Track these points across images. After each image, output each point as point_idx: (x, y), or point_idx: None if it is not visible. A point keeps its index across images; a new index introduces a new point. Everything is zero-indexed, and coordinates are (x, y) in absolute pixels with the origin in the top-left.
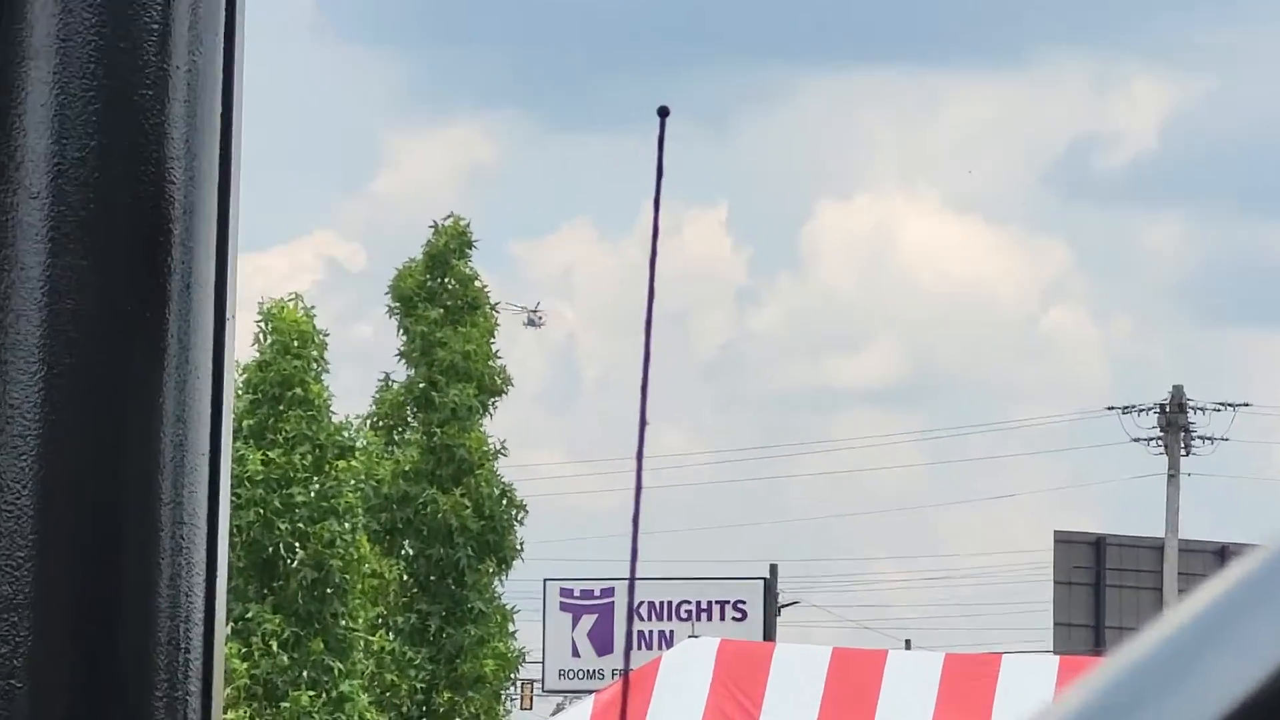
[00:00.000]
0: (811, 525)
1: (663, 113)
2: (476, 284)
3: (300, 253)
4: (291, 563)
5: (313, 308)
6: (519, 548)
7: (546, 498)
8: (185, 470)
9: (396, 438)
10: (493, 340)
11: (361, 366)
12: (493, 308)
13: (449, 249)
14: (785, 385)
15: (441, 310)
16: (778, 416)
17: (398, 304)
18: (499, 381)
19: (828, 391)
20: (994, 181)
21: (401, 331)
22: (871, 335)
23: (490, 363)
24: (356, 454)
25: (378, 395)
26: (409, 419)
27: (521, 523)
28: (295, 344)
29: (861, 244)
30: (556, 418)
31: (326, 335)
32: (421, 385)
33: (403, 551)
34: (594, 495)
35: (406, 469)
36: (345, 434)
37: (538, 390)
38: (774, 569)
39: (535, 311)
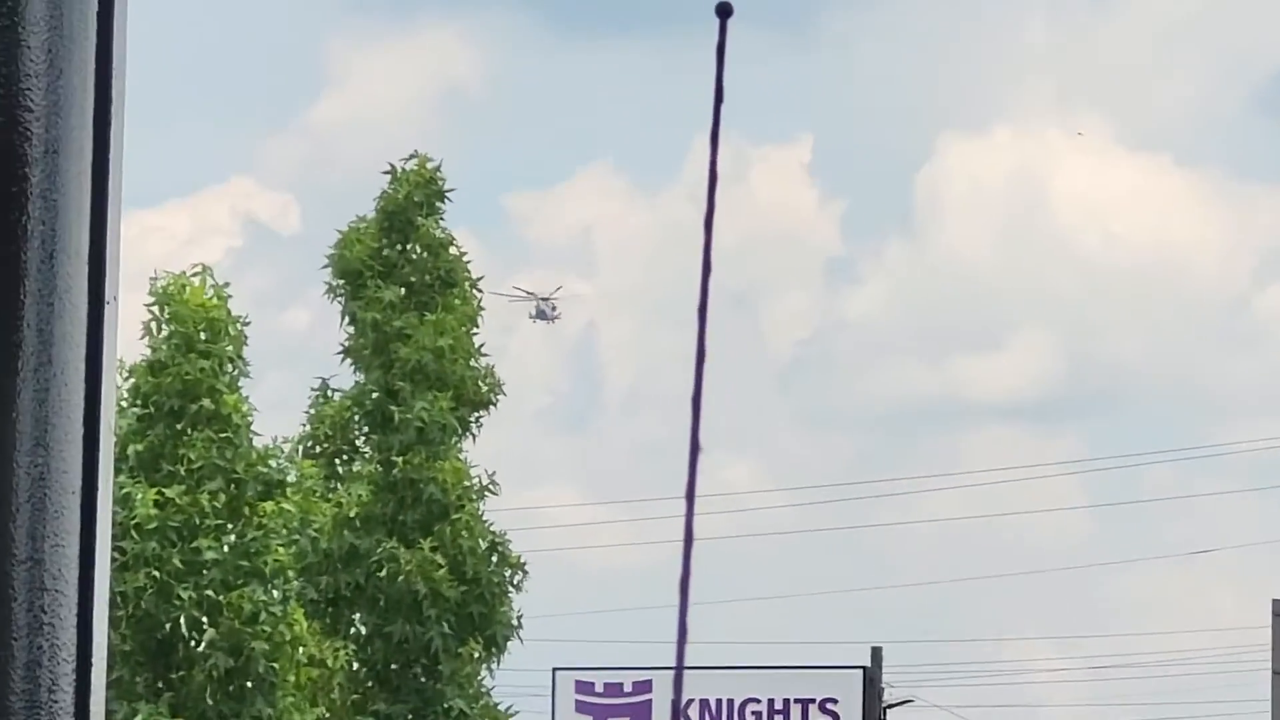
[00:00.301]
0: (929, 592)
1: (723, 11)
2: (452, 251)
3: (210, 209)
4: (197, 646)
5: (226, 286)
6: (515, 623)
7: (554, 553)
8: (48, 516)
9: (341, 469)
10: (475, 331)
11: (295, 369)
12: (475, 285)
13: (412, 203)
14: (892, 396)
15: (402, 289)
16: (882, 440)
17: (342, 281)
18: (484, 389)
19: (952, 404)
20: (1187, 108)
21: (347, 320)
22: (1013, 325)
23: (472, 363)
24: (288, 492)
25: (314, 410)
26: (358, 442)
27: (519, 588)
28: (202, 337)
29: (1000, 196)
30: (569, 441)
31: (246, 324)
32: (375, 395)
33: (352, 629)
34: (622, 550)
35: (354, 513)
36: (272, 464)
37: (543, 403)
38: (877, 654)
39: (547, 300)
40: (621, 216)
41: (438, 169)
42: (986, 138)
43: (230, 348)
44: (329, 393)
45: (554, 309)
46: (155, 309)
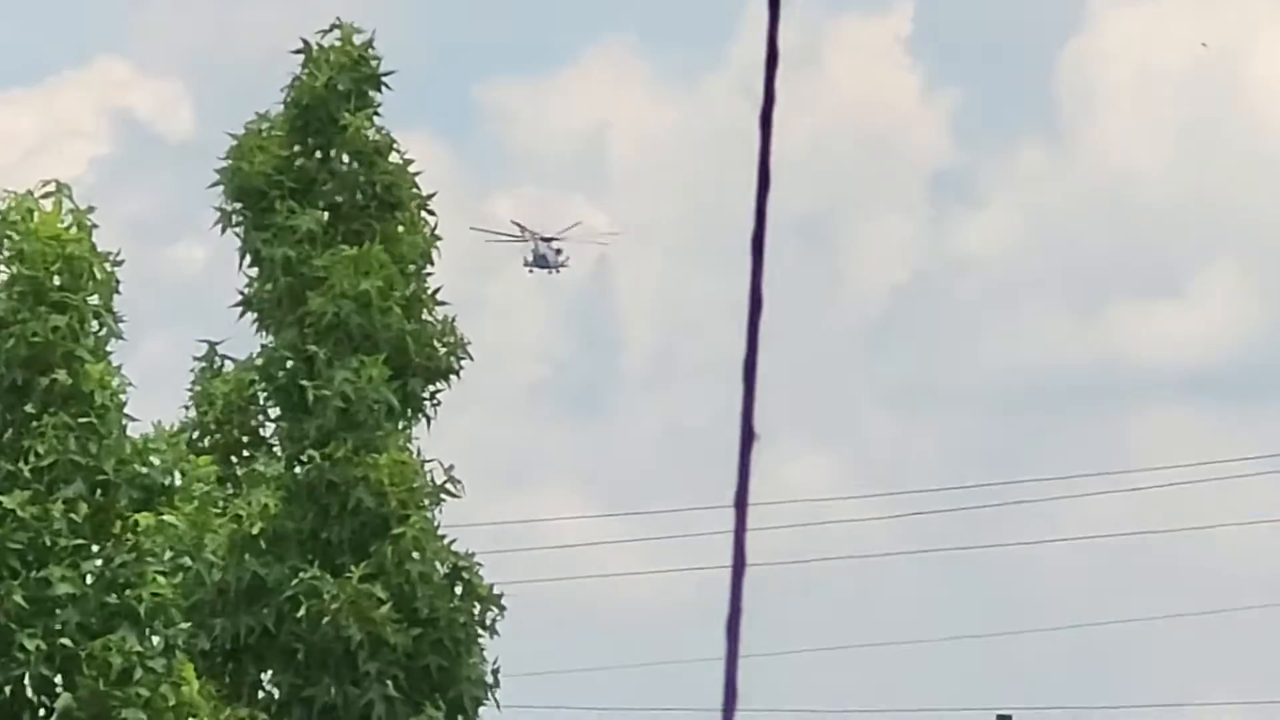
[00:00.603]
0: (1077, 637)
1: None
2: (392, 160)
3: (66, 102)
4: (48, 716)
5: (90, 211)
6: (489, 680)
7: (547, 584)
8: None
9: (240, 469)
10: (428, 270)
11: (188, 326)
12: (425, 205)
13: (334, 93)
14: (1027, 364)
15: (325, 214)
16: (1012, 425)
17: (239, 205)
18: (441, 352)
19: (1111, 374)
20: None
21: (248, 259)
22: (1196, 264)
23: (423, 315)
24: (174, 500)
25: (200, 386)
26: (264, 431)
27: (493, 630)
28: (55, 283)
29: (1177, 83)
30: (572, 428)
31: (118, 264)
32: (289, 363)
33: (260, 692)
34: (645, 580)
35: (258, 530)
36: (154, 461)
37: (536, 375)
38: None
39: (550, 241)
40: (645, 114)
41: (369, 43)
42: (1157, 1)
43: (96, 298)
44: (216, 361)
45: (559, 253)
46: None
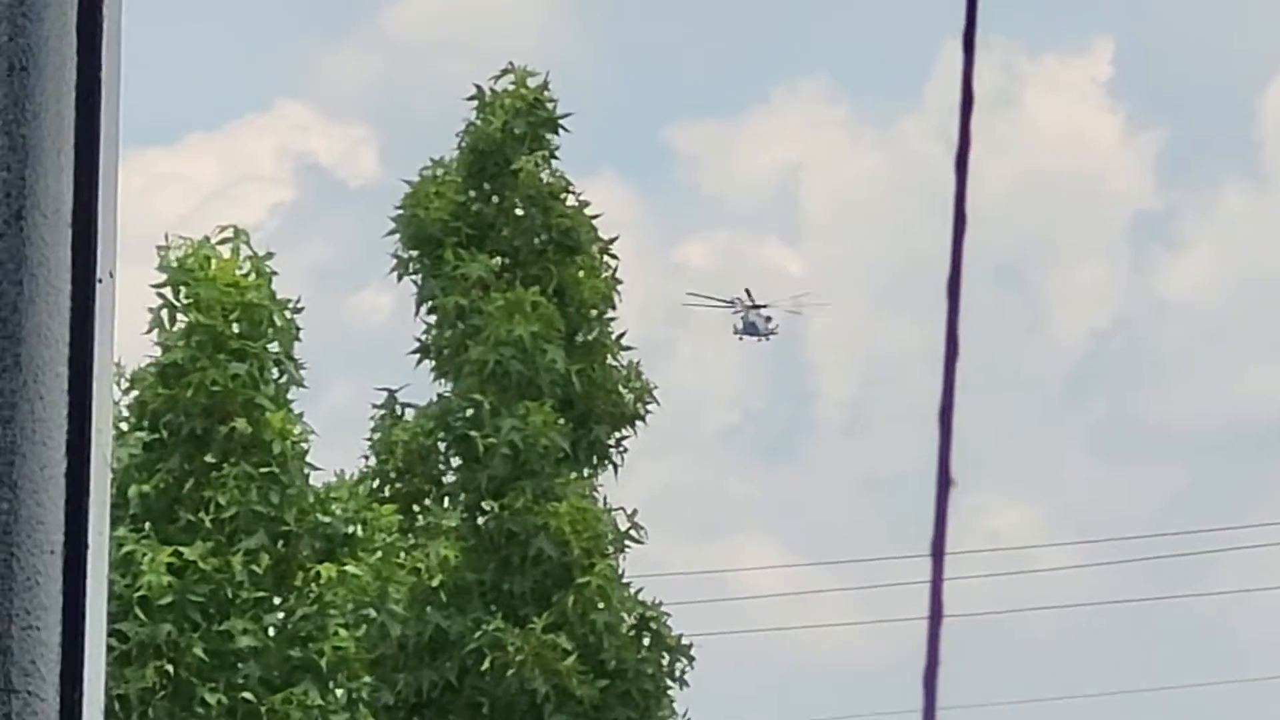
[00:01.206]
0: None
1: None
2: (568, 202)
3: (247, 147)
4: None
5: (269, 257)
6: None
7: (741, 636)
8: (16, 585)
9: (422, 518)
10: (611, 315)
11: (371, 374)
12: (606, 250)
13: (510, 137)
14: (1234, 408)
15: (500, 259)
16: (1221, 470)
17: (415, 252)
18: (624, 397)
19: None
20: None
21: (424, 305)
22: None
23: (606, 360)
24: (357, 551)
25: (379, 434)
26: (445, 479)
27: (683, 682)
28: (235, 330)
29: None
30: (766, 475)
31: (298, 312)
32: (469, 411)
33: None
34: (841, 631)
35: (439, 582)
36: (336, 510)
37: (727, 421)
38: None
39: (759, 308)
40: (838, 157)
41: (544, 86)
42: None
43: (276, 345)
44: (398, 409)
45: (769, 320)
46: (168, 291)
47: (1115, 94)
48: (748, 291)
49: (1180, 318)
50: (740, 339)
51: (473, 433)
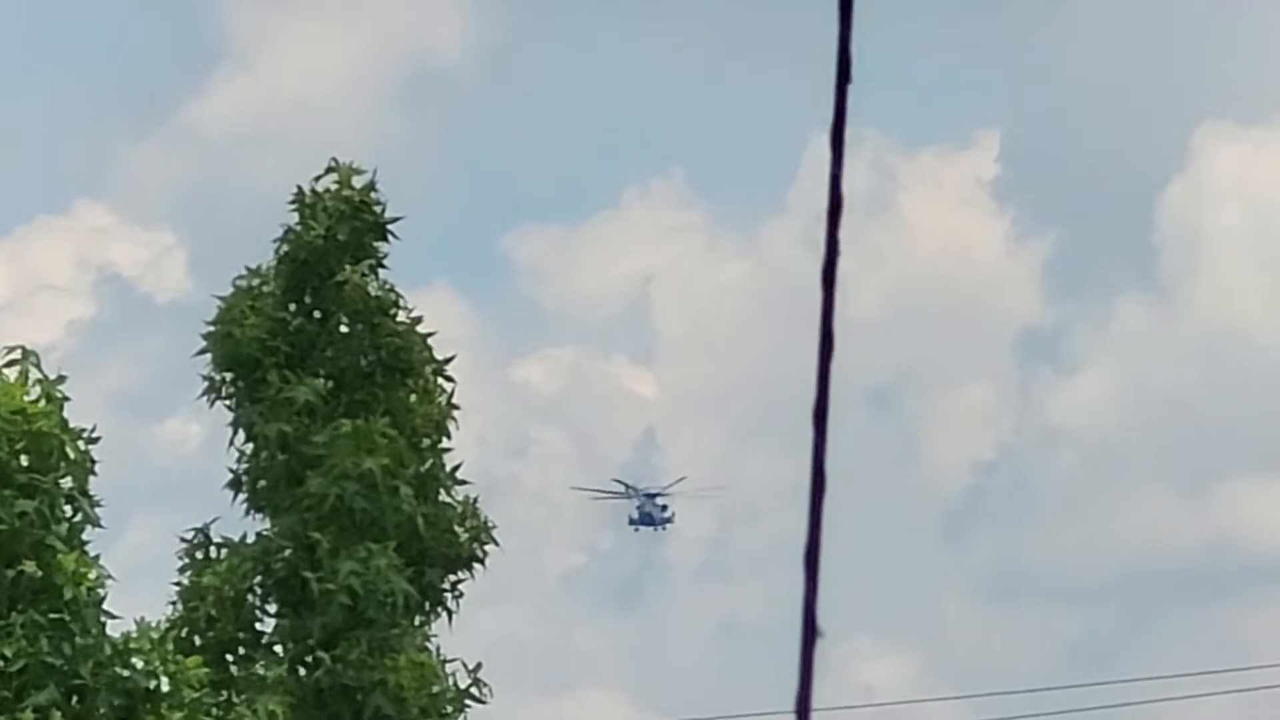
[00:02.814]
0: None
1: None
2: (399, 319)
3: (39, 254)
4: None
5: (61, 381)
6: None
7: None
8: None
9: (238, 671)
10: (446, 446)
11: (180, 511)
12: (440, 371)
13: (333, 244)
14: (1133, 550)
15: (327, 382)
16: (1116, 619)
17: (229, 375)
18: (459, 537)
19: (1232, 559)
20: None
21: (240, 433)
22: None
23: (439, 496)
24: (160, 708)
25: (188, 578)
26: (257, 624)
27: None
28: (23, 463)
29: None
30: (612, 623)
31: (93, 442)
32: (287, 552)
33: None
34: None
35: None
36: (137, 664)
37: (569, 564)
38: None
39: (655, 498)
40: (695, 266)
41: (370, 187)
42: (1271, 127)
43: (68, 480)
44: (211, 550)
45: (664, 509)
46: None
47: (1000, 195)
48: (622, 482)
49: (1071, 446)
50: (635, 530)
51: (306, 573)
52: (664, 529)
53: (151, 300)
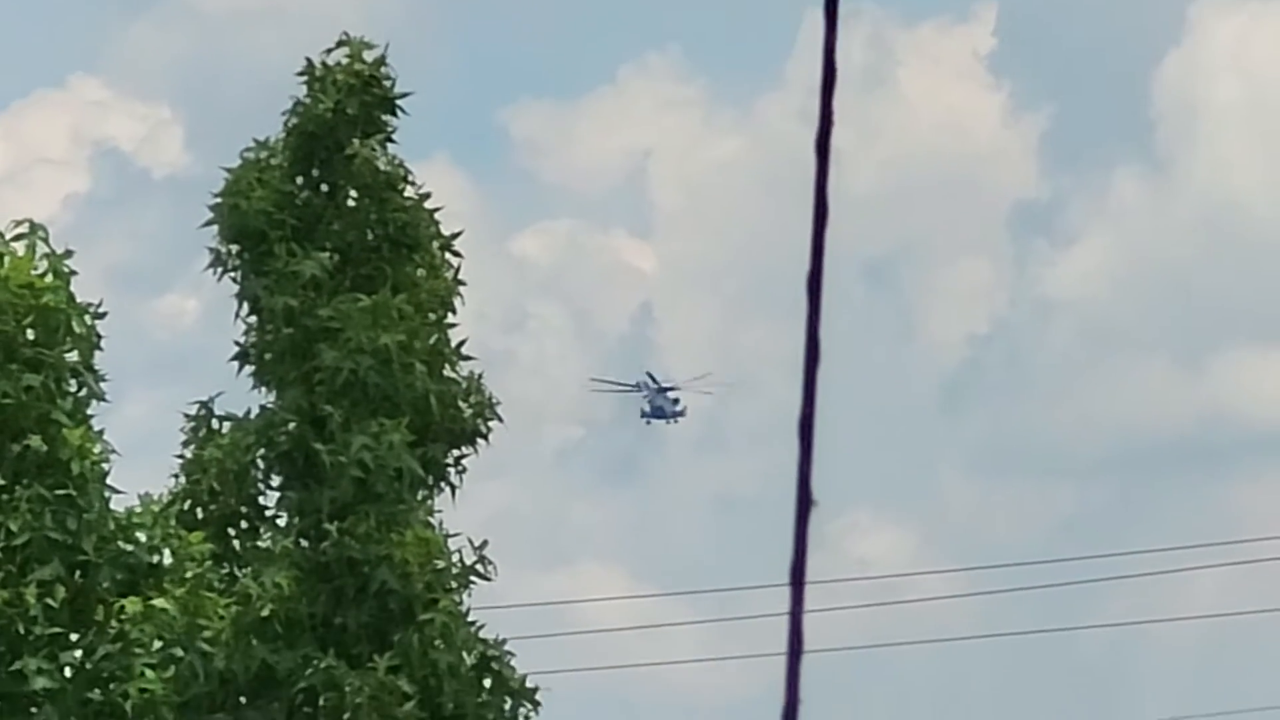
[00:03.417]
0: None
1: None
2: (407, 194)
3: (36, 129)
4: None
5: (67, 256)
6: None
7: (588, 674)
8: None
9: (240, 545)
10: (452, 321)
11: (181, 385)
12: (448, 247)
13: (343, 119)
14: (1127, 422)
15: (332, 256)
16: (1111, 491)
17: (235, 247)
18: (467, 414)
19: (1225, 432)
20: None
21: (245, 306)
22: None
23: (445, 371)
24: (164, 583)
25: (191, 452)
26: (264, 500)
27: None
28: (28, 337)
29: None
30: (612, 498)
31: (99, 317)
32: (292, 426)
33: None
34: (693, 668)
35: (268, 613)
36: (140, 538)
37: (568, 438)
38: None
39: (665, 391)
40: (691, 141)
41: (381, 61)
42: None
43: (74, 355)
44: (214, 424)
45: (676, 403)
46: None
47: (997, 69)
48: (650, 375)
49: (1067, 319)
50: (648, 423)
51: (317, 446)
52: (676, 422)
53: (149, 175)
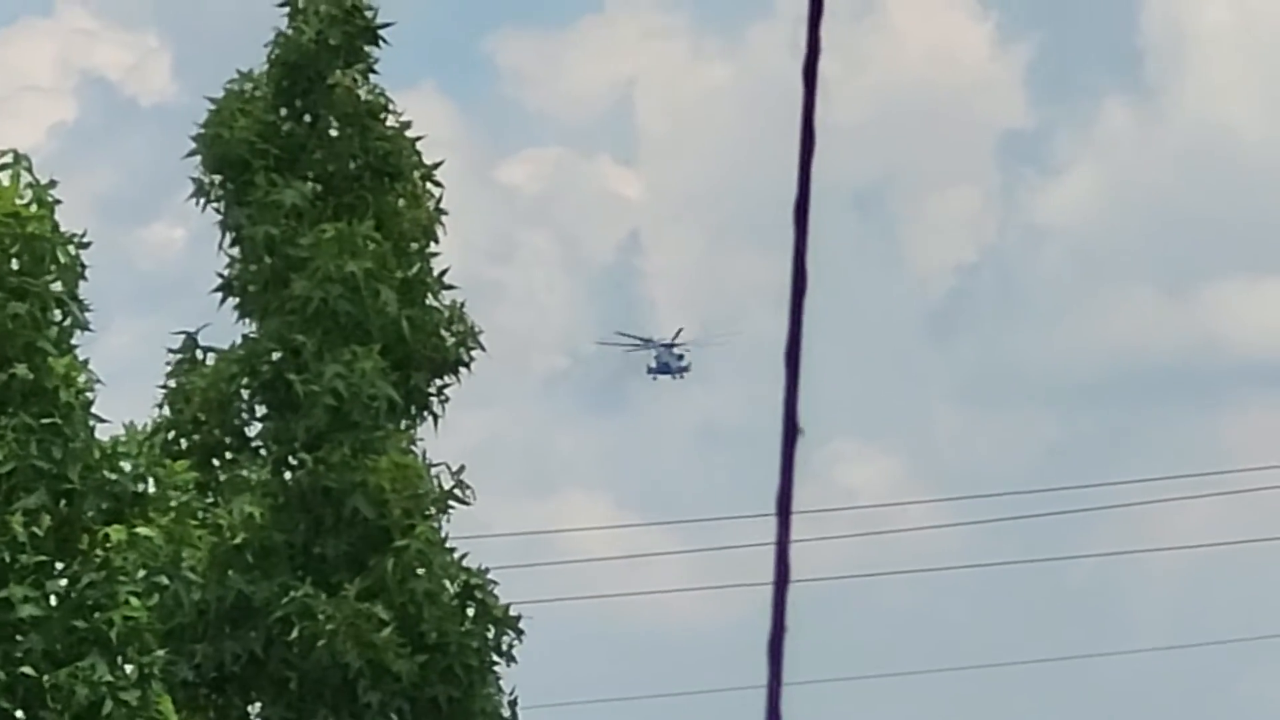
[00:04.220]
0: (1178, 661)
1: None
2: (389, 123)
3: (23, 57)
4: None
5: (51, 185)
6: (505, 715)
7: (572, 603)
8: None
9: (222, 473)
10: (434, 250)
11: (165, 315)
12: (429, 176)
13: (324, 48)
14: (1114, 350)
15: (315, 186)
16: (1097, 419)
17: (218, 177)
18: (445, 341)
19: (1213, 360)
20: None
21: (228, 236)
22: None
23: (426, 300)
24: (149, 511)
25: (175, 381)
26: (248, 430)
27: (510, 658)
28: (13, 266)
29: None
30: (596, 424)
31: (84, 246)
32: (274, 355)
33: None
34: (678, 597)
35: (242, 541)
36: (125, 466)
37: (554, 366)
38: None
39: (671, 347)
40: (677, 69)
41: None
42: None
43: (59, 284)
44: (198, 354)
45: (682, 359)
46: None
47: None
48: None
49: (1055, 247)
50: (655, 379)
51: (291, 376)
52: (681, 377)
53: (135, 103)
